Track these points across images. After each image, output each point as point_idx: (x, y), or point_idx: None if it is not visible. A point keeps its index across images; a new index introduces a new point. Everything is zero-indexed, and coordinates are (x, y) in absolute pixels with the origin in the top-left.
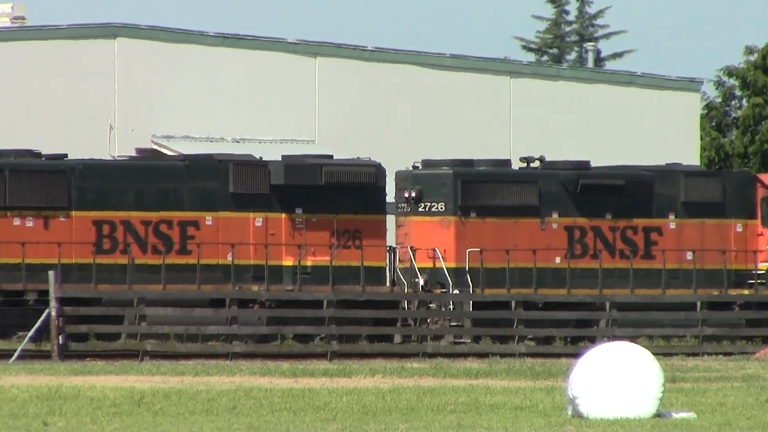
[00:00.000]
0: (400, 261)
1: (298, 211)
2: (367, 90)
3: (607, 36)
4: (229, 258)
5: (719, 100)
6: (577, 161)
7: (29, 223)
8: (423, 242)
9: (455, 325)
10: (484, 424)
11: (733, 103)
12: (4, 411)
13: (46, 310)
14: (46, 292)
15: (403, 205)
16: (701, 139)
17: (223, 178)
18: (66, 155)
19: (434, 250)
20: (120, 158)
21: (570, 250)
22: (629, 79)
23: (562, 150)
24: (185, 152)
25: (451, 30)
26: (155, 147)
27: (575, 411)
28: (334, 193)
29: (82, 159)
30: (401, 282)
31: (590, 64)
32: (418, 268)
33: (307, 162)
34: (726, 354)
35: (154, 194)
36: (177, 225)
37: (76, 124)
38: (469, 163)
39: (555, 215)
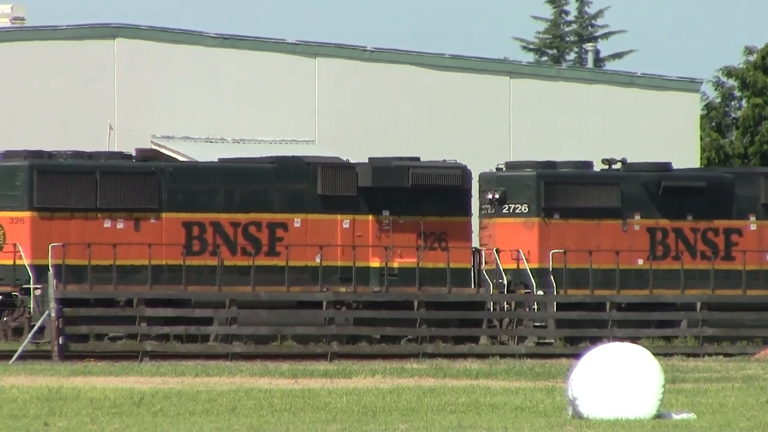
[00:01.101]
0: (485, 262)
1: (385, 213)
2: (367, 90)
3: (606, 36)
4: (317, 259)
5: (719, 100)
6: (659, 163)
7: (120, 225)
8: (506, 244)
9: (539, 326)
10: (484, 425)
11: (732, 103)
12: (5, 411)
13: (47, 311)
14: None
15: (486, 206)
16: (701, 139)
17: (311, 180)
18: (156, 157)
19: (518, 251)
20: (209, 161)
21: (652, 252)
22: (629, 80)
23: (562, 150)
24: (184, 152)
25: (451, 30)
26: (155, 147)
27: (575, 412)
28: (421, 195)
29: (172, 161)
30: (486, 283)
31: (590, 64)
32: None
33: (393, 164)
34: (726, 355)
35: (243, 196)
36: (266, 227)
37: (76, 124)
38: (552, 164)
39: (637, 217)
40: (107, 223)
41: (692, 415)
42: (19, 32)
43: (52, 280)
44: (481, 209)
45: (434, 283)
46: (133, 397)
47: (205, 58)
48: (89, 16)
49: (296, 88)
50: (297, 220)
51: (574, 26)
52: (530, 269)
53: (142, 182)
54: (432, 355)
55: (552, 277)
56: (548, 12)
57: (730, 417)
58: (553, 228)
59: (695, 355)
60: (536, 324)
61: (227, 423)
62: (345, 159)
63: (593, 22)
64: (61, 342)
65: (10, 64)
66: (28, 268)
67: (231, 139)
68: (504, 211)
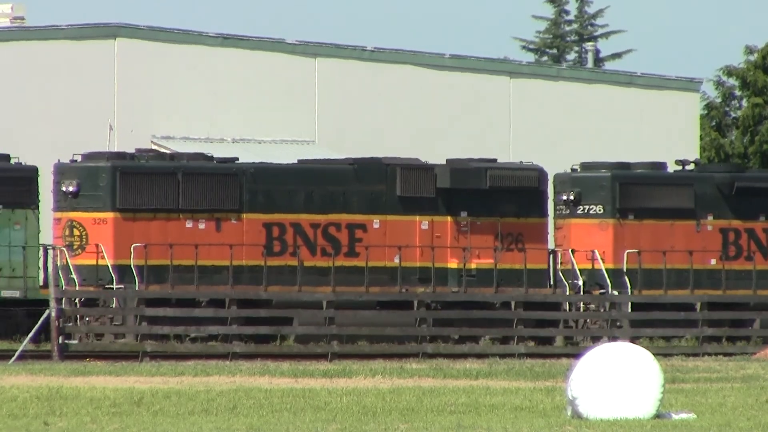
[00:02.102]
0: (560, 263)
1: (463, 214)
2: (366, 90)
3: (606, 36)
4: (396, 260)
5: (719, 100)
6: (731, 164)
7: (201, 226)
8: (581, 244)
9: (614, 326)
10: (483, 425)
11: (732, 103)
12: (5, 411)
13: (47, 311)
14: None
15: (561, 207)
16: (701, 139)
17: (390, 181)
18: (237, 158)
19: (593, 252)
20: (289, 162)
21: (724, 252)
22: (629, 80)
23: (562, 150)
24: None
25: (451, 30)
26: (155, 147)
27: (575, 412)
28: (498, 196)
29: (254, 162)
30: (562, 284)
31: (590, 64)
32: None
33: (472, 166)
34: (726, 354)
35: (322, 197)
36: (345, 228)
37: (75, 124)
38: (626, 165)
39: (710, 217)
40: (189, 224)
41: (692, 415)
42: (19, 32)
43: (52, 280)
44: (556, 210)
45: (511, 283)
46: (133, 396)
47: (205, 58)
48: (89, 16)
49: (296, 88)
50: (376, 221)
51: (574, 26)
52: (605, 270)
53: (224, 183)
54: (432, 355)
55: (626, 277)
56: (548, 12)
57: (729, 417)
58: (628, 228)
59: (695, 355)
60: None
61: (227, 423)
62: (424, 160)
63: (593, 21)
64: (60, 342)
65: (10, 64)
66: (110, 268)
67: (231, 139)
68: (579, 211)
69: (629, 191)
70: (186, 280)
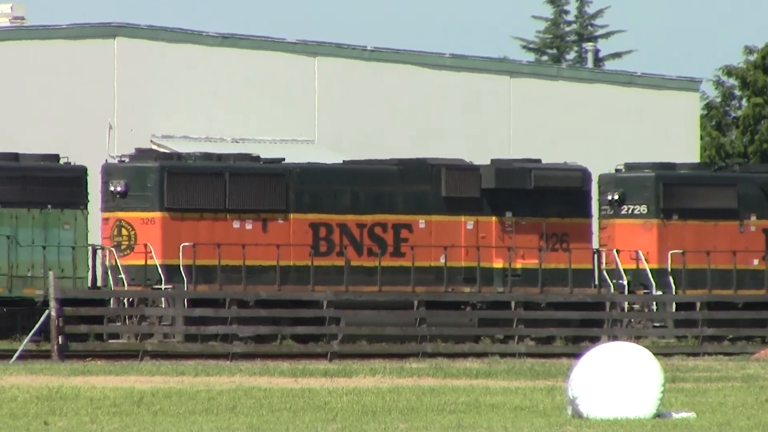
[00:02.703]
0: (605, 263)
1: (508, 214)
2: (367, 90)
3: (606, 36)
4: (442, 260)
5: (719, 99)
6: None
7: (248, 226)
8: (625, 244)
9: (658, 326)
10: (484, 424)
11: (732, 102)
12: (5, 411)
13: (47, 311)
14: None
15: (606, 208)
16: (701, 138)
17: (435, 181)
18: (283, 159)
19: (637, 252)
20: (335, 162)
21: None
22: (629, 79)
23: (562, 150)
24: (184, 152)
25: (451, 30)
26: (155, 147)
27: (575, 411)
28: (542, 196)
29: (300, 163)
30: (606, 284)
31: (590, 64)
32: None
33: (516, 166)
34: (726, 354)
35: (368, 197)
36: (391, 228)
37: (75, 124)
38: (670, 165)
39: (753, 218)
40: (236, 224)
41: (692, 415)
42: (19, 32)
43: (52, 280)
44: (600, 210)
45: (556, 283)
46: (133, 396)
47: (204, 58)
48: (89, 16)
49: (296, 88)
50: (422, 222)
51: (574, 26)
52: (649, 270)
53: (270, 183)
54: (432, 355)
55: (671, 277)
56: (548, 12)
57: (729, 416)
58: (672, 229)
59: (695, 355)
60: (655, 324)
61: (227, 422)
62: (468, 161)
63: (593, 21)
64: (60, 341)
65: (10, 64)
66: (159, 268)
67: (231, 138)
68: (623, 212)
69: (673, 191)
70: (233, 280)
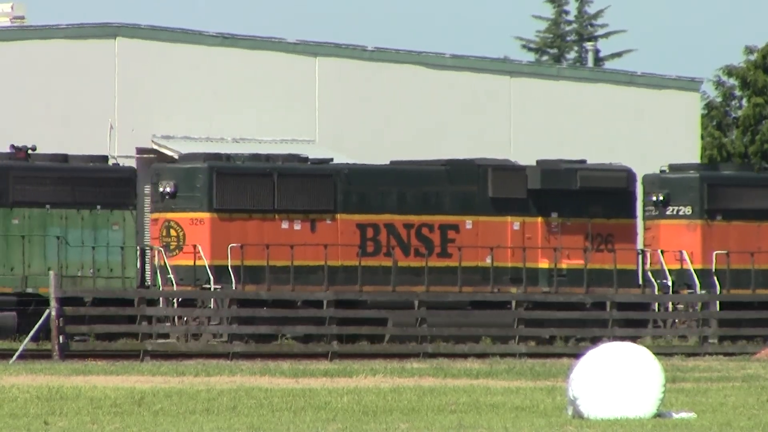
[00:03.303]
0: (649, 263)
1: (554, 215)
2: (367, 90)
3: (606, 35)
4: (488, 261)
5: (719, 99)
6: None
7: (297, 227)
8: (670, 245)
9: (702, 326)
10: (484, 424)
11: (733, 102)
12: (5, 411)
13: (47, 310)
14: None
15: (650, 208)
16: (702, 138)
17: (482, 182)
18: (331, 159)
19: (681, 252)
20: (382, 163)
21: None
22: (629, 79)
23: (562, 150)
24: (184, 152)
25: (451, 30)
26: (155, 147)
27: (576, 411)
28: (588, 197)
29: (348, 163)
30: (651, 284)
31: (590, 63)
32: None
33: (562, 167)
34: (727, 354)
35: (415, 198)
36: (438, 228)
37: (76, 124)
38: (714, 166)
39: None
40: (284, 225)
41: (692, 415)
42: (19, 31)
43: (52, 281)
44: (645, 211)
45: (601, 283)
46: (134, 396)
47: (204, 58)
48: (89, 16)
49: (296, 88)
50: (468, 222)
51: (575, 26)
52: (694, 270)
53: (318, 184)
54: (432, 355)
55: (715, 277)
56: (548, 11)
57: (730, 416)
58: (716, 229)
59: (695, 355)
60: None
61: (227, 422)
62: (514, 161)
63: (593, 21)
64: (61, 341)
65: (10, 64)
66: (208, 268)
67: (231, 138)
68: (668, 212)
69: (717, 192)
70: (281, 280)
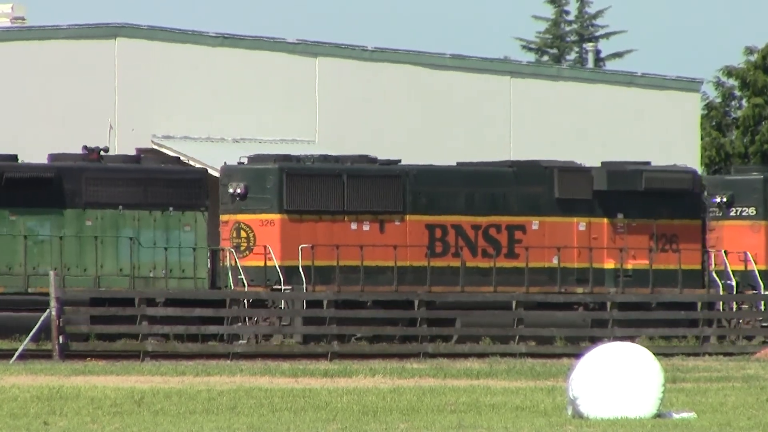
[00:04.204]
0: (713, 264)
1: (619, 216)
2: (367, 90)
3: (607, 36)
4: (555, 261)
5: (719, 100)
6: None
7: (366, 227)
8: (734, 246)
9: (766, 326)
10: (484, 424)
11: (733, 103)
12: (5, 411)
13: (47, 310)
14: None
15: (714, 209)
16: (701, 138)
17: (548, 183)
18: (399, 160)
19: (745, 253)
20: (450, 164)
21: None
22: (629, 79)
23: (562, 150)
24: (184, 152)
25: (451, 30)
26: (155, 147)
27: (576, 411)
28: (653, 198)
29: (416, 165)
30: (716, 284)
31: (590, 64)
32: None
33: (628, 168)
34: (726, 354)
35: (483, 199)
36: (505, 229)
37: (76, 123)
38: None
39: None
40: (353, 225)
41: (692, 415)
42: (19, 32)
43: (52, 280)
44: (708, 212)
45: (666, 284)
46: (134, 396)
47: (205, 58)
48: (89, 16)
49: (296, 88)
50: (535, 223)
51: (575, 26)
52: (757, 271)
53: (387, 185)
54: (432, 355)
55: None
56: (549, 12)
57: (730, 416)
58: None
59: (695, 355)
60: (765, 324)
61: (227, 422)
62: (579, 163)
63: (593, 21)
64: (61, 341)
65: (10, 64)
66: (278, 269)
67: (231, 138)
68: (731, 213)
69: None
70: (351, 280)
